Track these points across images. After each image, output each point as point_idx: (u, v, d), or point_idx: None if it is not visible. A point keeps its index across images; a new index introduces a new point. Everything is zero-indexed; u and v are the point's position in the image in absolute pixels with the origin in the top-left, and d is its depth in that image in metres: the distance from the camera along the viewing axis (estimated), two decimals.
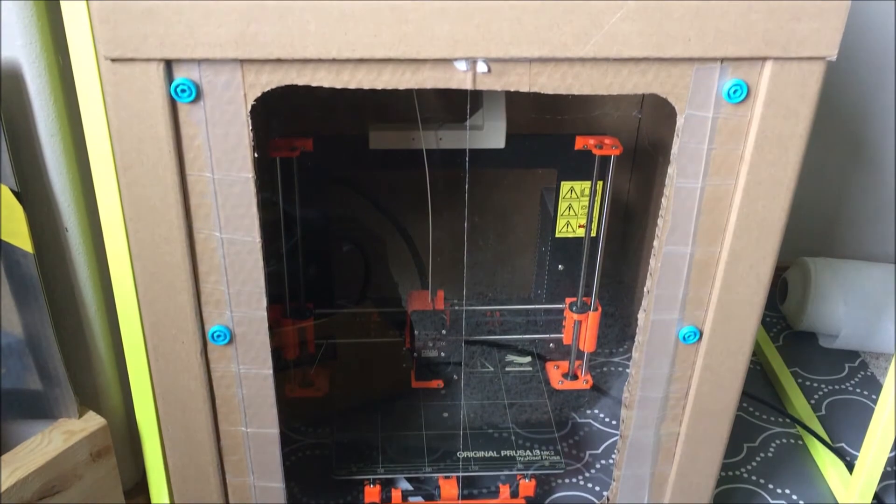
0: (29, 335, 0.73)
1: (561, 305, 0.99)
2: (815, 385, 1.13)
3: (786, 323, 1.24)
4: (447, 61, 0.61)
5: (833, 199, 1.27)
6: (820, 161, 1.22)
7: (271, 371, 0.73)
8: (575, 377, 1.00)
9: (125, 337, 0.71)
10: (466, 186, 0.87)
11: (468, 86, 0.62)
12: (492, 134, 0.91)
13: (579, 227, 0.99)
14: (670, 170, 0.66)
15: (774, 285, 1.26)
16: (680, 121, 0.64)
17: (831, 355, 1.18)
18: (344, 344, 1.00)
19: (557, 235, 0.99)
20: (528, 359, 1.07)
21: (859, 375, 1.15)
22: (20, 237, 0.69)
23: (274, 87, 0.61)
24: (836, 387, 1.13)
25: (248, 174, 0.64)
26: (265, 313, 0.70)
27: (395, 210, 1.00)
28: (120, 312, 0.70)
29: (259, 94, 0.61)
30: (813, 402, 1.10)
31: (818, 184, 1.25)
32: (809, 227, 1.28)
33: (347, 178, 1.00)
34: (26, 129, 0.68)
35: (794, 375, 1.14)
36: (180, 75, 0.60)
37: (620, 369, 1.12)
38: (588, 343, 0.96)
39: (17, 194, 0.68)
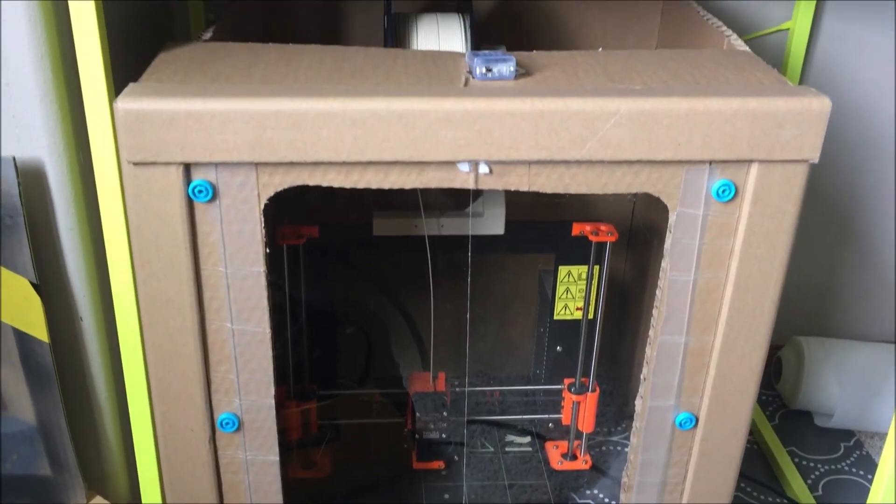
0: (41, 422, 0.75)
1: (560, 386, 1.00)
2: (812, 465, 1.14)
3: (781, 401, 1.26)
4: (451, 163, 0.64)
5: (825, 279, 1.30)
6: (811, 241, 1.26)
7: (277, 457, 0.74)
8: (574, 457, 1.01)
9: (135, 424, 0.73)
10: (469, 271, 0.90)
11: (471, 185, 0.65)
12: (492, 221, 0.94)
13: (577, 309, 1.01)
14: (664, 263, 0.69)
15: (769, 364, 1.28)
16: (672, 218, 0.67)
17: (827, 434, 1.20)
18: (346, 425, 1.02)
19: (556, 318, 1.02)
20: (528, 439, 1.08)
21: (855, 455, 1.16)
22: (37, 327, 0.72)
23: (286, 187, 0.64)
24: (833, 466, 1.14)
25: (260, 268, 0.67)
26: (273, 401, 0.72)
27: (398, 293, 1.03)
28: (131, 401, 0.72)
29: (272, 194, 0.64)
30: (810, 482, 1.11)
31: (810, 264, 1.28)
32: (802, 306, 1.31)
33: (352, 263, 1.03)
34: (47, 224, 0.71)
35: (790, 455, 1.15)
36: (198, 177, 0.63)
37: (619, 448, 1.13)
38: (586, 423, 0.98)
39: (35, 286, 0.70)
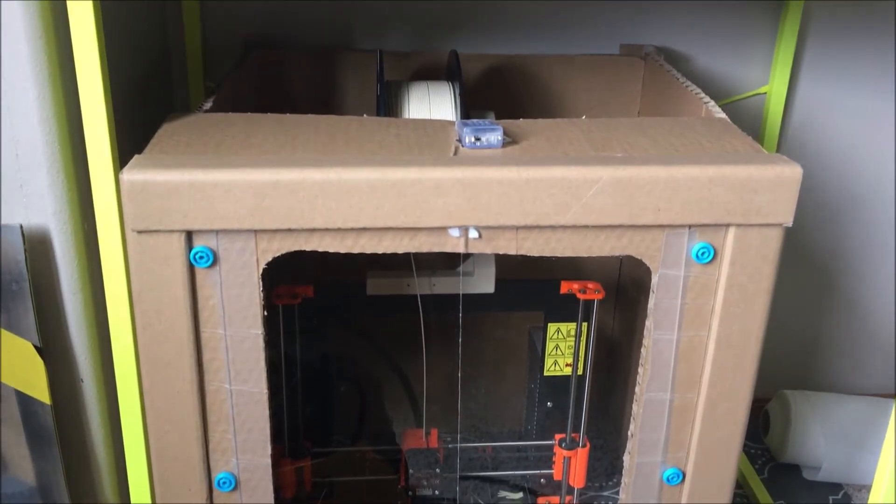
0: (41, 483, 0.76)
1: (551, 442, 1.02)
2: None
3: (770, 455, 1.27)
4: (442, 229, 0.67)
5: (810, 334, 1.33)
6: (796, 297, 1.29)
7: None
8: None
9: (133, 485, 0.74)
10: (460, 330, 0.93)
11: (461, 250, 0.68)
12: (482, 280, 0.97)
13: (566, 365, 1.03)
14: (648, 322, 0.72)
15: (757, 418, 1.30)
16: (654, 279, 0.70)
17: (815, 488, 1.21)
18: (341, 482, 1.03)
19: (546, 374, 1.04)
20: (520, 494, 1.09)
21: None
22: (39, 389, 0.73)
23: (284, 252, 0.67)
24: None
25: (258, 330, 0.69)
26: (269, 460, 0.73)
27: (391, 351, 1.05)
28: (129, 461, 0.73)
29: (270, 259, 0.67)
30: None
31: (795, 319, 1.31)
32: (789, 360, 1.34)
33: (346, 322, 1.05)
34: (51, 288, 0.73)
35: None
36: (199, 243, 0.65)
37: (611, 503, 1.14)
38: (577, 479, 0.99)
39: (38, 349, 0.72)
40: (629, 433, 0.76)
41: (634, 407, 0.75)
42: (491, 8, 1.09)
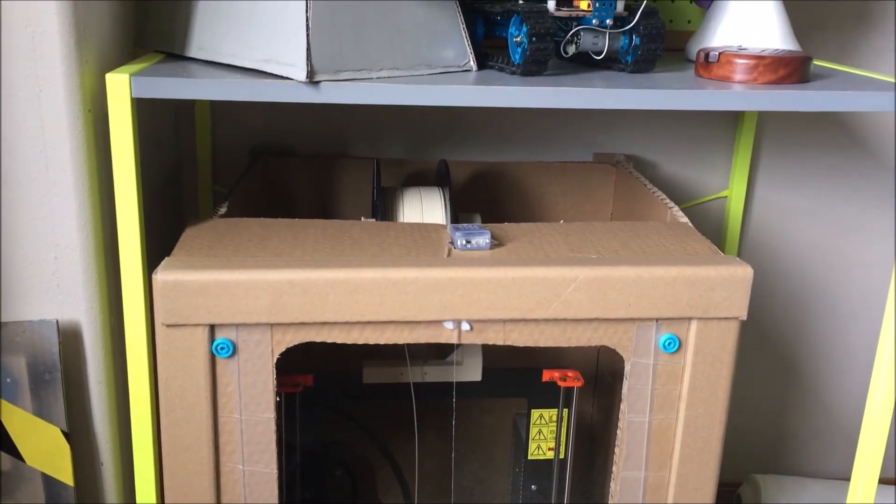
0: None
1: None
2: None
3: None
4: (438, 322, 0.75)
5: (778, 421, 1.41)
6: (763, 388, 1.37)
7: None
8: None
9: None
10: (454, 413, 0.99)
11: (454, 341, 0.76)
12: (470, 368, 1.04)
13: (549, 449, 1.10)
14: (623, 406, 0.79)
15: (730, 501, 1.36)
16: (627, 367, 0.78)
17: None
18: None
19: (529, 458, 1.10)
20: None
21: None
22: (64, 472, 0.79)
23: (297, 343, 0.74)
24: None
25: (271, 414, 0.76)
26: None
27: (385, 436, 1.11)
28: None
29: (283, 350, 0.75)
30: None
31: (763, 408, 1.39)
32: (759, 447, 1.41)
33: (343, 409, 1.12)
34: (78, 378, 0.80)
35: None
36: (221, 336, 0.73)
37: None
38: None
39: (66, 434, 0.79)
40: None
41: (612, 485, 0.82)
42: (476, 120, 1.20)
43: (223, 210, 0.88)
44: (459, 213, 1.04)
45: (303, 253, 0.77)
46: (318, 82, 0.73)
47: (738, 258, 0.78)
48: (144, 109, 0.76)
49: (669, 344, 0.77)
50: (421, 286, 0.73)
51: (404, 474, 1.12)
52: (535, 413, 1.08)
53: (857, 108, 0.79)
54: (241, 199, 0.97)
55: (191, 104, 1.13)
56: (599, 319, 0.76)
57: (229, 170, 1.17)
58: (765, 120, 1.24)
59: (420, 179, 1.15)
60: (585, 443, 1.22)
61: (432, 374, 1.02)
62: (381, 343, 0.75)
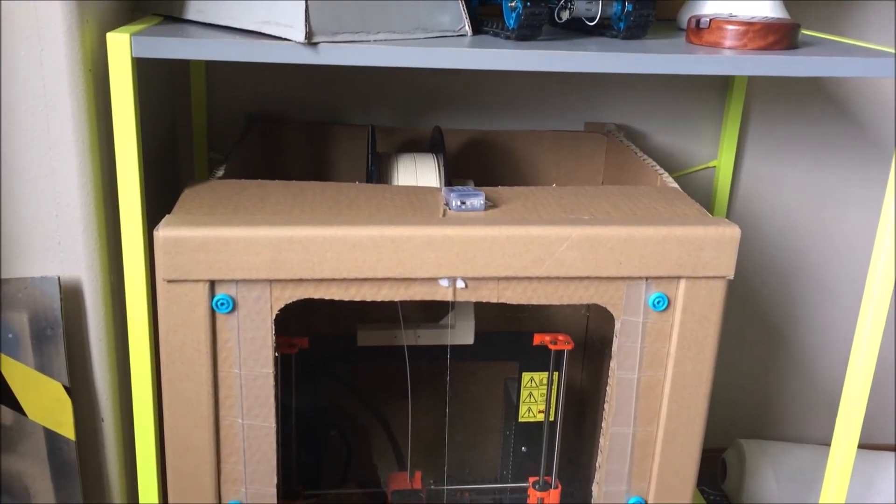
0: None
1: (525, 484, 1.10)
2: None
3: (728, 500, 1.36)
4: (433, 279, 0.77)
5: (763, 386, 1.44)
6: (749, 352, 1.40)
7: None
8: None
9: None
10: (448, 376, 1.01)
11: (450, 298, 0.78)
12: (462, 332, 1.06)
13: (539, 412, 1.12)
14: (612, 363, 0.82)
15: (715, 466, 1.39)
16: (617, 325, 0.80)
17: None
18: None
19: (520, 420, 1.12)
20: None
21: None
22: (66, 427, 0.81)
23: (296, 300, 0.76)
24: None
25: (269, 370, 0.78)
26: (275, 489, 0.81)
27: (379, 398, 1.14)
28: (142, 494, 0.80)
29: (282, 306, 0.76)
30: None
31: (749, 373, 1.42)
32: (744, 411, 1.44)
33: (337, 371, 1.14)
34: (79, 335, 0.82)
35: None
36: (221, 292, 0.75)
37: None
38: None
39: (67, 389, 0.80)
40: (597, 464, 0.85)
41: (602, 440, 0.84)
42: (470, 89, 1.21)
43: (220, 173, 0.90)
44: (453, 179, 1.06)
45: (301, 212, 0.78)
46: (316, 43, 0.74)
47: (726, 219, 0.79)
48: (141, 74, 0.77)
49: (658, 302, 0.79)
50: (417, 244, 0.75)
51: (397, 437, 1.14)
52: (525, 376, 1.10)
53: (857, 74, 0.80)
54: (237, 164, 0.98)
55: (186, 71, 1.14)
56: (591, 278, 0.78)
57: (224, 136, 1.18)
58: (753, 91, 1.25)
59: (414, 147, 1.16)
60: (575, 407, 1.24)
61: (426, 336, 1.04)
62: (378, 300, 0.77)
